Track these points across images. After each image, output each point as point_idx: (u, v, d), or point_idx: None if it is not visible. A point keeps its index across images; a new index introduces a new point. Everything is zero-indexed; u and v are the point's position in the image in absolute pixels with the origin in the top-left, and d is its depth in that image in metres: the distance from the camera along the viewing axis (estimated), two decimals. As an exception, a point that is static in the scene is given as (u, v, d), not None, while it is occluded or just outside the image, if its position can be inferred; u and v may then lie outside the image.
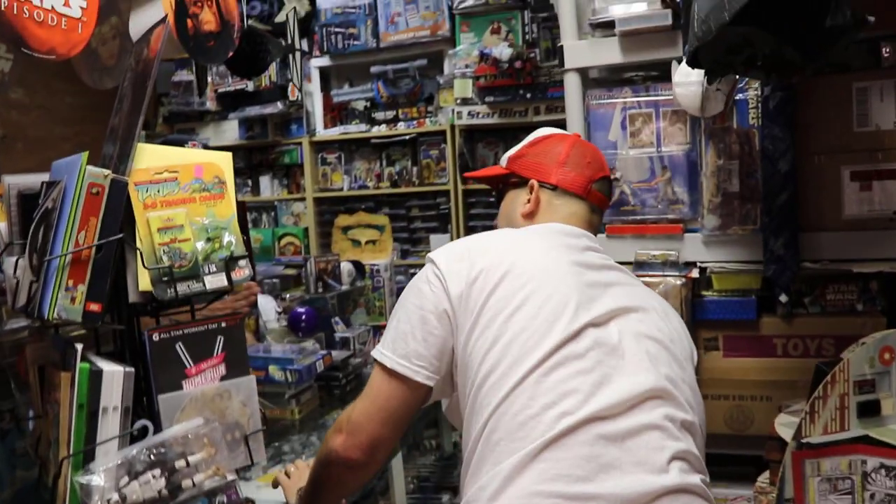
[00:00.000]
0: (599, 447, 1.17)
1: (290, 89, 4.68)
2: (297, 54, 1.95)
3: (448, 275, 1.33)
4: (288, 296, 3.30)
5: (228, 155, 1.43)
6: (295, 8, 4.67)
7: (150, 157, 1.35)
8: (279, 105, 4.67)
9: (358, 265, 3.39)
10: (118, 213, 1.25)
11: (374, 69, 4.53)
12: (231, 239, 1.37)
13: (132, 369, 1.25)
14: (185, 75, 4.91)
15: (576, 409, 1.19)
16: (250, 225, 5.11)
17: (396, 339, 1.35)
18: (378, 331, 3.19)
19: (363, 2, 4.47)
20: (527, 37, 4.03)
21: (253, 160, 5.10)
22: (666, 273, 1.96)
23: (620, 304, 1.33)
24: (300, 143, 4.88)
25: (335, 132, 4.79)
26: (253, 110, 4.74)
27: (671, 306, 1.47)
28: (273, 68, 4.65)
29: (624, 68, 2.20)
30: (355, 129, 4.74)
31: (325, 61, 4.72)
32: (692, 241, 2.04)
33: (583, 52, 2.12)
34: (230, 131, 4.98)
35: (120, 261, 1.29)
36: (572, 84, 2.15)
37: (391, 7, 4.40)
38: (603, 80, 2.31)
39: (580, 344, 1.24)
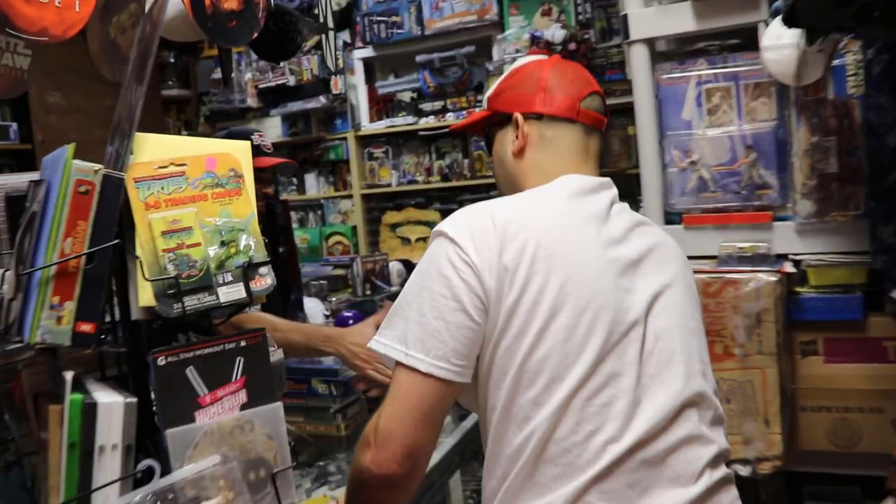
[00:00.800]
0: (642, 472, 1.15)
1: (332, 82, 4.50)
2: (331, 35, 1.75)
3: (480, 264, 1.18)
4: (334, 299, 3.11)
5: (247, 144, 1.23)
6: (336, -2, 4.50)
7: (152, 149, 1.16)
8: (322, 99, 4.50)
9: (408, 264, 3.18)
10: (113, 216, 1.06)
11: (419, 58, 4.31)
12: (250, 242, 1.16)
13: (134, 400, 1.06)
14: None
15: (619, 434, 1.16)
16: (296, 225, 4.96)
17: (427, 338, 1.17)
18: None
19: (407, -13, 4.27)
20: (580, 17, 3.79)
21: (297, 157, 4.93)
22: (756, 268, 1.71)
23: (653, 289, 1.26)
24: (345, 138, 4.71)
25: (381, 125, 4.61)
26: (295, 106, 4.58)
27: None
28: (315, 61, 4.48)
29: (697, 37, 1.95)
30: (402, 122, 4.55)
31: (368, 52, 4.53)
32: (783, 230, 1.78)
33: (650, 21, 1.87)
34: (273, 128, 4.82)
35: (121, 271, 1.10)
36: (639, 58, 1.90)
37: (436, -8, 4.19)
38: (673, 53, 2.06)
39: (621, 359, 1.18)
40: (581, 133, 1.36)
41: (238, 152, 1.21)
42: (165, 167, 1.15)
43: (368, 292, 2.97)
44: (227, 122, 4.95)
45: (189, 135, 5.16)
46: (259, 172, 2.48)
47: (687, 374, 1.22)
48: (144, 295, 1.07)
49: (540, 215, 1.24)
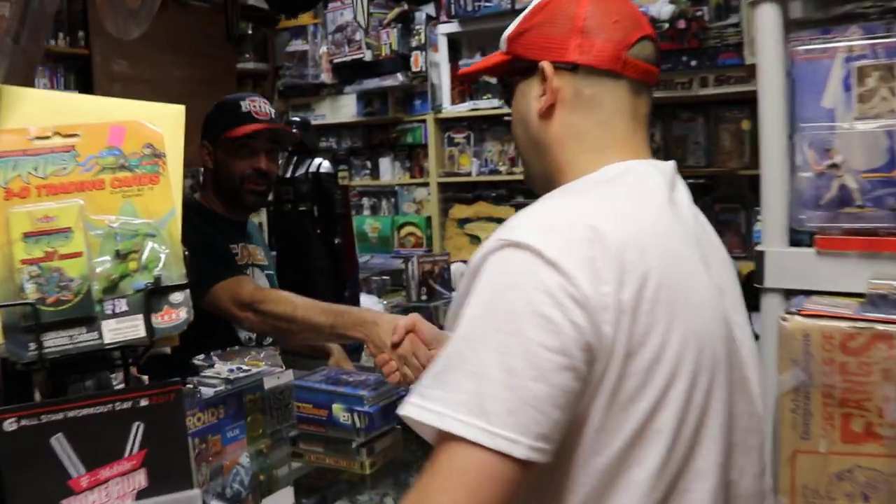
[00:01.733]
0: None
1: (413, 59, 4.13)
2: None
3: (596, 301, 0.84)
4: (385, 302, 2.74)
5: (177, 109, 0.84)
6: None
7: (31, 109, 0.79)
8: (400, 77, 4.14)
9: (474, 267, 2.77)
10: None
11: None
12: (160, 254, 0.78)
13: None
14: (299, 45, 4.46)
15: None
16: (368, 212, 4.62)
17: (522, 409, 0.81)
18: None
19: (497, -44, 3.83)
20: (692, -10, 3.27)
21: (372, 139, 4.59)
22: (922, 318, 1.22)
23: (749, 332, 1.05)
24: (424, 121, 4.33)
25: (464, 108, 4.22)
26: (371, 83, 4.23)
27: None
28: (394, 35, 4.11)
29: (847, -1, 1.46)
30: (486, 105, 4.14)
31: (453, 27, 4.13)
32: (961, 265, 1.29)
33: (788, -28, 1.40)
34: (347, 107, 4.49)
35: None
36: (767, 21, 1.43)
37: (530, -40, 3.73)
38: (811, 20, 1.57)
39: (734, 436, 0.98)
40: (628, 91, 1.06)
41: (162, 119, 0.83)
42: (46, 137, 0.77)
43: (424, 297, 2.58)
44: (300, 99, 4.64)
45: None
46: (249, 140, 2.12)
47: (760, 446, 1.04)
48: (-20, 330, 0.71)
49: (651, 231, 0.93)
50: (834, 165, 1.38)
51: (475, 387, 0.81)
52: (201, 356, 1.66)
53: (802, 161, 1.43)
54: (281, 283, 3.16)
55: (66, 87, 3.99)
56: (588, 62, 1.04)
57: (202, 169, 2.24)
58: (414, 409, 0.84)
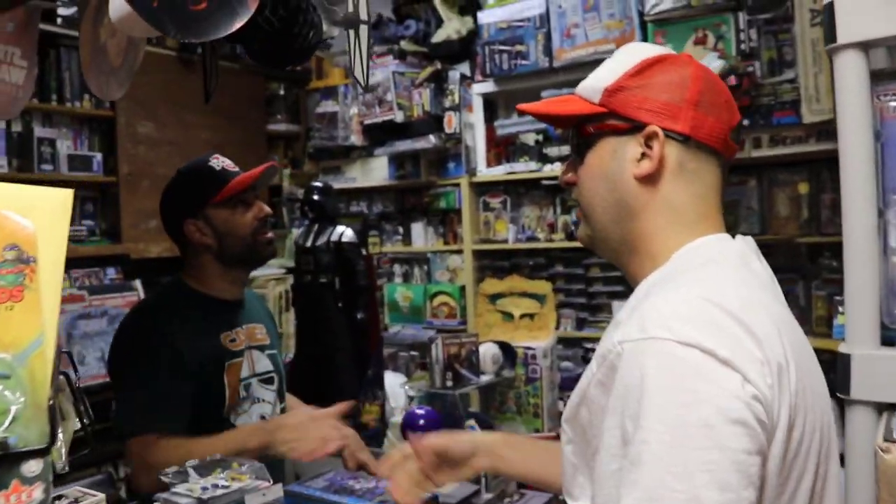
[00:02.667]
0: None
1: (446, 120, 3.93)
2: (363, 31, 1.19)
3: (770, 396, 0.85)
4: (407, 387, 2.48)
5: (62, 194, 0.62)
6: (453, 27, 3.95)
7: None
8: (432, 139, 3.94)
9: (507, 348, 2.51)
10: None
11: (545, 94, 3.65)
12: (12, 405, 0.55)
13: None
14: (329, 105, 4.31)
15: None
16: (399, 280, 4.40)
17: None
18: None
19: (533, 13, 3.64)
20: (742, 46, 3.04)
21: (405, 203, 4.39)
22: None
23: None
24: (458, 185, 4.11)
25: (499, 171, 3.99)
26: (403, 145, 4.04)
27: None
28: (426, 95, 3.93)
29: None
30: (524, 168, 3.91)
31: (488, 86, 3.94)
32: None
33: (873, 13, 1.14)
34: (379, 170, 4.30)
35: None
36: (852, 71, 1.18)
37: (567, 17, 3.53)
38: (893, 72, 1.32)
39: None
40: (720, 170, 1.06)
41: (39, 209, 0.60)
42: None
43: (449, 383, 2.31)
44: (330, 162, 4.48)
45: (292, 174, 4.73)
46: (242, 195, 1.93)
47: None
48: None
49: (778, 318, 0.94)
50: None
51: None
52: (173, 469, 1.42)
53: (898, 242, 1.16)
54: (298, 360, 2.93)
55: (91, 149, 3.88)
56: (700, 137, 1.03)
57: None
58: None
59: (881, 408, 1.17)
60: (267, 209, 2.02)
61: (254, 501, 1.37)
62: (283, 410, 2.11)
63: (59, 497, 1.30)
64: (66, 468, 0.83)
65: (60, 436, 0.78)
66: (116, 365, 1.99)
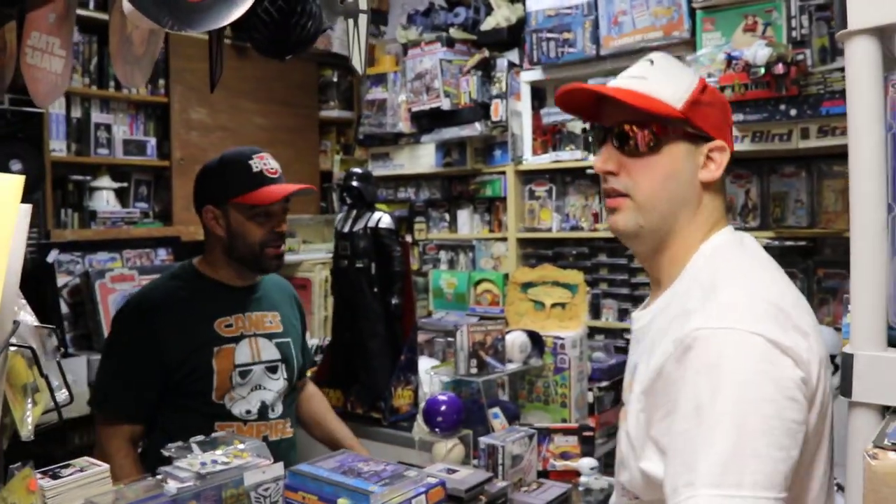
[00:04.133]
0: None
1: (493, 108, 3.91)
2: (362, 20, 1.19)
3: (814, 380, 1.12)
4: (434, 372, 2.49)
5: (13, 182, 0.64)
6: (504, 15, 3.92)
7: None
8: (478, 126, 3.92)
9: (535, 337, 2.49)
10: None
11: (592, 82, 3.60)
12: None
13: None
14: (378, 92, 4.32)
15: None
16: (445, 266, 4.41)
17: (790, 474, 1.05)
18: (550, 434, 2.26)
19: (581, 0, 3.58)
20: (793, 33, 2.93)
21: (452, 190, 4.38)
22: None
23: None
24: (504, 172, 4.09)
25: (545, 160, 3.96)
26: (449, 132, 4.03)
27: None
28: (473, 82, 3.92)
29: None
30: (569, 157, 3.87)
31: (536, 74, 3.90)
32: None
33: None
34: (426, 157, 4.31)
35: None
36: (862, 60, 1.13)
37: (615, 4, 3.47)
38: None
39: None
40: None
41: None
42: None
43: (474, 370, 2.31)
44: (379, 148, 4.50)
45: (342, 160, 4.78)
46: (268, 207, 1.96)
47: None
48: None
49: (796, 303, 1.20)
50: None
51: (761, 466, 1.00)
52: (177, 444, 1.46)
53: (906, 240, 1.11)
54: (334, 345, 2.96)
55: (146, 134, 3.98)
56: (732, 151, 1.28)
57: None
58: (717, 499, 0.99)
59: (885, 411, 1.12)
60: (284, 226, 2.03)
61: (253, 479, 1.40)
62: (288, 399, 2.13)
63: (67, 465, 1.36)
64: (31, 437, 0.87)
65: (29, 407, 0.81)
66: (104, 343, 2.08)
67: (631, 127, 1.24)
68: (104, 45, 3.69)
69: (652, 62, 1.29)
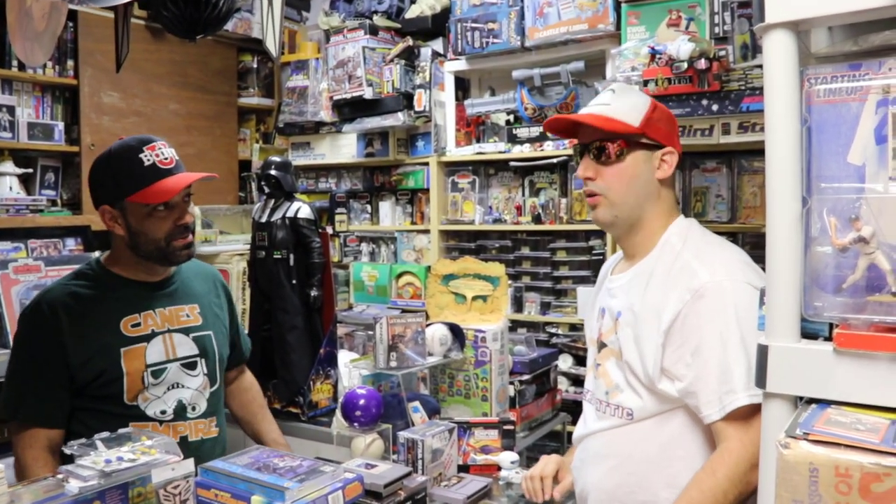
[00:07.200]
0: None
1: (416, 98, 3.87)
2: (276, 1, 1.14)
3: None
4: (351, 366, 2.44)
5: None
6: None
7: None
8: (401, 117, 3.87)
9: (456, 330, 2.46)
10: None
11: (516, 74, 3.58)
12: None
13: None
14: (300, 80, 4.23)
15: None
16: (366, 258, 4.35)
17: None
18: (470, 428, 2.24)
19: (507, -10, 3.57)
20: (716, 29, 2.98)
21: (374, 181, 4.32)
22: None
23: None
24: (427, 164, 4.05)
25: (469, 151, 3.93)
26: (371, 122, 3.97)
27: None
28: (396, 71, 3.86)
29: (881, 26, 1.16)
30: (493, 149, 3.85)
31: (460, 65, 3.86)
32: None
33: (803, -8, 1.10)
34: (348, 147, 4.23)
35: None
36: (779, 54, 1.13)
37: (540, -5, 3.47)
38: (835, 55, 1.27)
39: None
40: None
41: None
42: None
43: (394, 364, 2.27)
44: (299, 137, 4.40)
45: (261, 148, 4.66)
46: (166, 201, 1.83)
47: None
48: None
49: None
50: (861, 239, 1.06)
51: (749, 371, 1.45)
52: (80, 441, 1.38)
53: (820, 232, 1.12)
54: (252, 338, 2.88)
55: (53, 118, 3.79)
56: (679, 153, 1.73)
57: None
58: (750, 398, 1.47)
59: (797, 402, 1.13)
60: (188, 217, 1.90)
61: (161, 476, 1.33)
62: (215, 395, 2.05)
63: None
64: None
65: None
66: (12, 345, 1.94)
67: (603, 143, 1.68)
68: (3, 20, 3.50)
69: (614, 91, 1.74)
